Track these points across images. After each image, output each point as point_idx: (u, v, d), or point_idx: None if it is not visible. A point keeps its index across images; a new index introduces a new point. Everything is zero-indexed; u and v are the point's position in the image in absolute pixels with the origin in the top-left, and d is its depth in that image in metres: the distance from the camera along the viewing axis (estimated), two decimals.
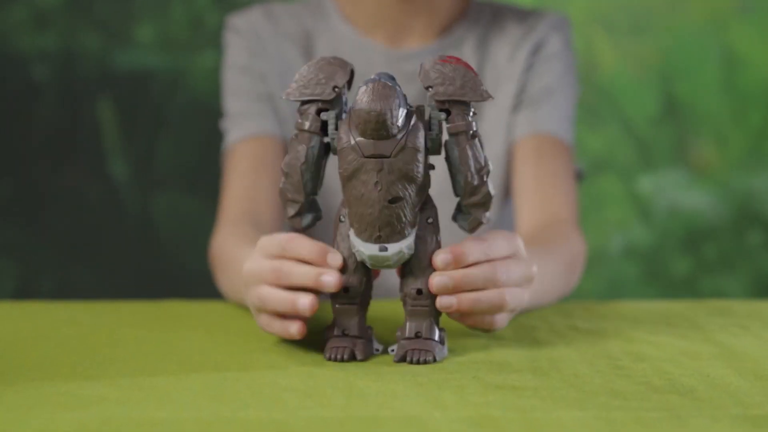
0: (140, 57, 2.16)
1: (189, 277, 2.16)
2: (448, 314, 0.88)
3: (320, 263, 0.88)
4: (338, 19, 1.39)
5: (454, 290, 0.87)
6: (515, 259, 0.91)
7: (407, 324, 0.88)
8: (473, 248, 0.88)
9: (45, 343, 0.97)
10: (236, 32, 1.39)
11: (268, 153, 1.35)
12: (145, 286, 2.18)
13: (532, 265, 0.93)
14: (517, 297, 0.90)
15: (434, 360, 0.87)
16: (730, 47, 2.22)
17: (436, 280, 0.87)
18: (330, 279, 0.87)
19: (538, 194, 1.31)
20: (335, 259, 0.88)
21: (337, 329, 0.89)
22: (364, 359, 0.88)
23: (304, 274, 0.88)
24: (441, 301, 0.87)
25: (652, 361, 0.89)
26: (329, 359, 0.88)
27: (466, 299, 0.87)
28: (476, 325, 0.90)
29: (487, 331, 0.91)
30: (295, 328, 0.89)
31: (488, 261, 0.89)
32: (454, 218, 0.89)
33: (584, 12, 2.22)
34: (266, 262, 0.90)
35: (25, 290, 2.16)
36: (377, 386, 0.80)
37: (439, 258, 0.87)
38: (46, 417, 0.73)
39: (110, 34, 2.15)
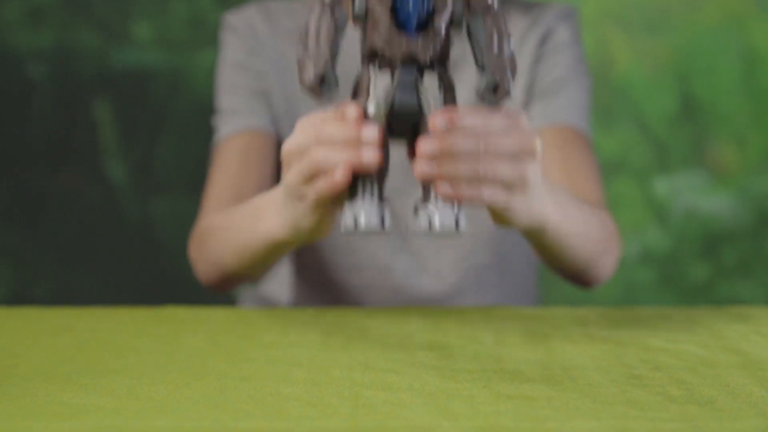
0: (139, 56, 2.16)
1: (189, 282, 2.16)
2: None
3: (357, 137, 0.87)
4: None
5: (440, 158, 0.86)
6: (511, 130, 0.89)
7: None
8: (470, 116, 0.87)
9: (40, 350, 0.96)
10: (232, 30, 1.40)
11: (258, 148, 1.35)
12: (144, 291, 2.18)
13: (535, 138, 0.91)
14: (508, 170, 0.89)
15: None
16: (750, 45, 2.22)
17: (423, 147, 0.86)
18: (371, 132, 0.87)
19: (567, 183, 1.31)
20: (353, 111, 0.87)
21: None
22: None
23: (342, 131, 0.87)
24: (420, 168, 0.87)
25: (669, 369, 0.88)
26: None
27: (444, 168, 0.87)
28: (468, 198, 0.89)
29: (491, 205, 0.91)
30: (338, 173, 0.88)
31: (482, 133, 0.88)
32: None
33: (598, 8, 2.21)
34: (304, 131, 0.90)
35: (20, 295, 2.16)
36: (384, 395, 0.80)
37: (437, 120, 0.86)
38: (41, 427, 0.73)
39: (108, 32, 2.16)
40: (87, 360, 0.92)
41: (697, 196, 2.24)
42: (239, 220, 1.15)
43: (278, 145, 1.38)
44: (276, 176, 1.39)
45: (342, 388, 0.82)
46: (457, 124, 0.86)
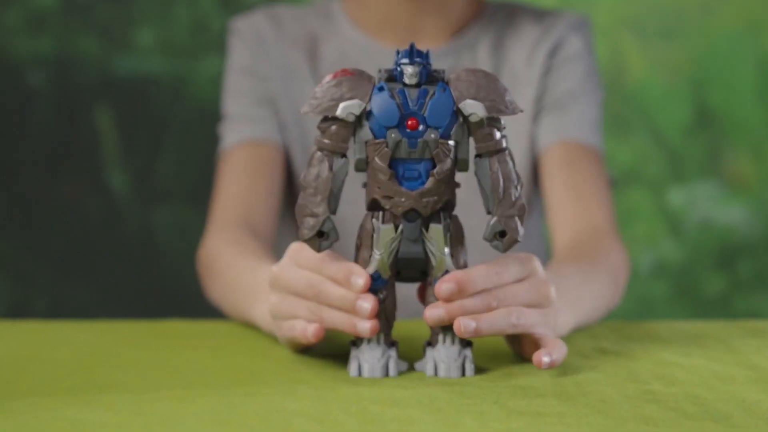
0: (141, 63, 2.17)
1: (192, 295, 2.16)
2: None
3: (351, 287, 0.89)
4: (345, 23, 1.40)
5: (449, 323, 0.89)
6: (526, 282, 0.92)
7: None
8: (480, 276, 0.89)
9: (39, 365, 0.97)
10: (239, 35, 1.41)
11: (266, 158, 1.36)
12: (145, 304, 2.18)
13: (549, 286, 0.93)
14: (526, 316, 0.91)
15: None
16: (766, 53, 2.22)
17: (430, 313, 0.89)
18: (366, 305, 0.88)
19: (574, 205, 1.32)
20: (361, 281, 0.89)
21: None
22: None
23: (342, 297, 0.89)
24: (431, 315, 0.89)
25: (683, 385, 0.89)
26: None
27: (456, 314, 0.89)
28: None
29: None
30: (312, 330, 0.90)
31: (494, 288, 0.90)
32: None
33: (611, 15, 2.22)
34: (301, 273, 0.91)
35: (18, 309, 2.17)
36: (392, 411, 0.80)
37: (443, 288, 0.88)
38: None
39: (109, 39, 2.16)
40: (89, 374, 0.93)
41: (713, 207, 2.24)
42: (229, 285, 1.17)
43: (285, 154, 1.39)
44: (284, 188, 1.39)
45: (349, 404, 0.82)
46: (465, 289, 0.88)
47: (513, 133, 1.36)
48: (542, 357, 0.89)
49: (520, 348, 0.96)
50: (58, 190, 2.17)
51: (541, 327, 0.92)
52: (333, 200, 0.89)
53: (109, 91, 2.16)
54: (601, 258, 1.22)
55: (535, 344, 0.92)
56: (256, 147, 1.37)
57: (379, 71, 0.90)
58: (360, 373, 0.91)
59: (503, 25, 1.40)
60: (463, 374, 0.90)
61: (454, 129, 0.89)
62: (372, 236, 0.90)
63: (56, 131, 2.16)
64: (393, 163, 0.89)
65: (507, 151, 0.89)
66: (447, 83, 0.89)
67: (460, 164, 0.90)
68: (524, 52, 1.39)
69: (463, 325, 0.87)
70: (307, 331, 0.90)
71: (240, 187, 1.35)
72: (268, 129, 1.38)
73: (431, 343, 0.92)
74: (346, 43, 1.40)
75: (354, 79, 0.89)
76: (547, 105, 1.37)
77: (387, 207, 0.89)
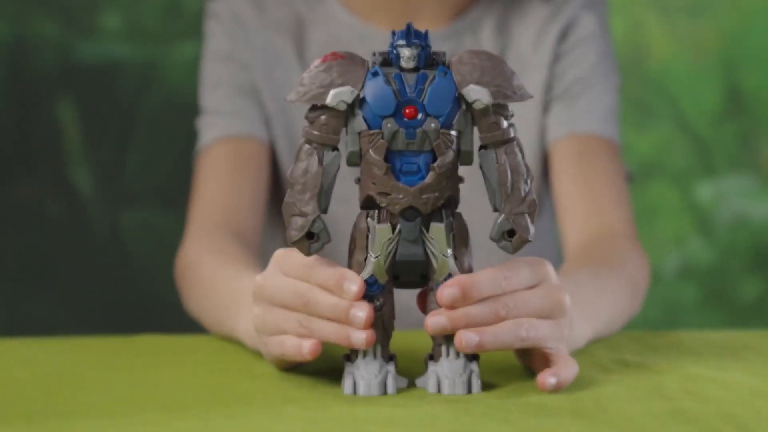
0: (107, 48, 2.17)
1: (168, 307, 2.16)
2: None
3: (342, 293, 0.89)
4: (335, 4, 1.40)
5: (452, 332, 0.88)
6: (537, 289, 0.91)
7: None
8: (487, 281, 0.88)
9: None
10: (216, 19, 1.41)
11: (249, 155, 1.37)
12: (115, 318, 2.18)
13: (563, 294, 0.93)
14: (537, 328, 0.90)
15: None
16: None
17: (431, 321, 0.88)
18: (361, 314, 0.88)
19: (587, 204, 1.32)
20: (354, 288, 0.88)
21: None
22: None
23: (333, 306, 0.88)
24: (432, 323, 0.88)
25: (717, 402, 0.89)
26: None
27: (460, 323, 0.88)
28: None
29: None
30: (308, 347, 0.90)
31: (503, 294, 0.89)
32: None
33: None
34: (288, 282, 0.91)
35: None
36: None
37: (446, 293, 0.88)
38: None
39: (71, 22, 2.16)
40: (50, 398, 0.92)
41: (746, 202, 2.24)
42: (209, 296, 1.18)
43: (271, 150, 1.39)
44: (270, 188, 1.39)
45: (343, 425, 0.82)
46: (470, 295, 0.88)
47: (521, 122, 1.36)
48: (547, 378, 0.88)
49: (530, 362, 0.96)
50: (16, 191, 2.17)
51: (553, 341, 0.91)
52: (323, 198, 0.89)
53: (71, 80, 2.16)
54: (617, 262, 1.22)
55: (546, 360, 0.92)
56: (237, 143, 1.37)
57: (374, 54, 0.90)
58: (355, 391, 0.90)
59: (508, 4, 1.40)
60: (469, 391, 0.90)
61: (456, 117, 0.89)
62: (367, 237, 0.90)
63: (12, 125, 2.16)
64: (389, 155, 0.89)
65: (515, 142, 0.89)
66: (448, 67, 0.89)
67: (463, 156, 0.90)
68: (532, 34, 1.39)
69: (465, 339, 0.87)
70: (302, 348, 0.90)
71: (221, 187, 1.35)
72: (251, 122, 1.38)
73: (433, 357, 0.92)
74: (336, 26, 1.40)
75: (345, 63, 0.89)
76: (557, 94, 1.38)
77: (383, 204, 0.89)
